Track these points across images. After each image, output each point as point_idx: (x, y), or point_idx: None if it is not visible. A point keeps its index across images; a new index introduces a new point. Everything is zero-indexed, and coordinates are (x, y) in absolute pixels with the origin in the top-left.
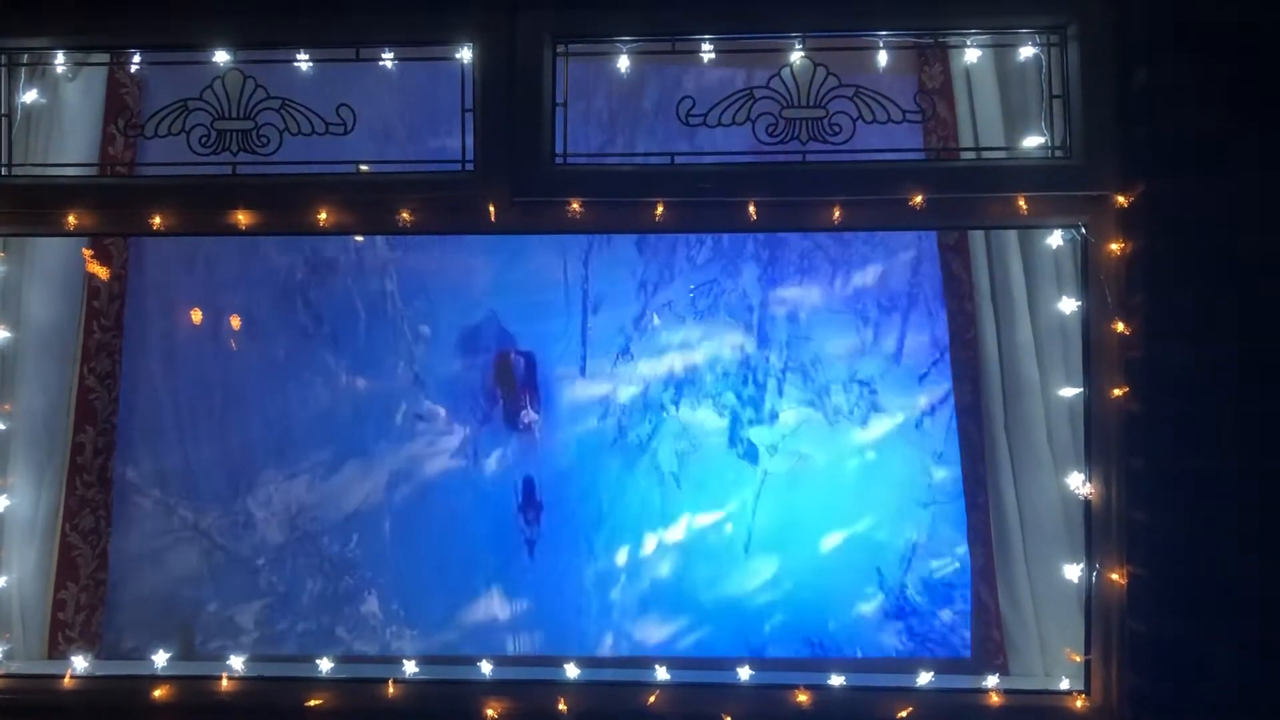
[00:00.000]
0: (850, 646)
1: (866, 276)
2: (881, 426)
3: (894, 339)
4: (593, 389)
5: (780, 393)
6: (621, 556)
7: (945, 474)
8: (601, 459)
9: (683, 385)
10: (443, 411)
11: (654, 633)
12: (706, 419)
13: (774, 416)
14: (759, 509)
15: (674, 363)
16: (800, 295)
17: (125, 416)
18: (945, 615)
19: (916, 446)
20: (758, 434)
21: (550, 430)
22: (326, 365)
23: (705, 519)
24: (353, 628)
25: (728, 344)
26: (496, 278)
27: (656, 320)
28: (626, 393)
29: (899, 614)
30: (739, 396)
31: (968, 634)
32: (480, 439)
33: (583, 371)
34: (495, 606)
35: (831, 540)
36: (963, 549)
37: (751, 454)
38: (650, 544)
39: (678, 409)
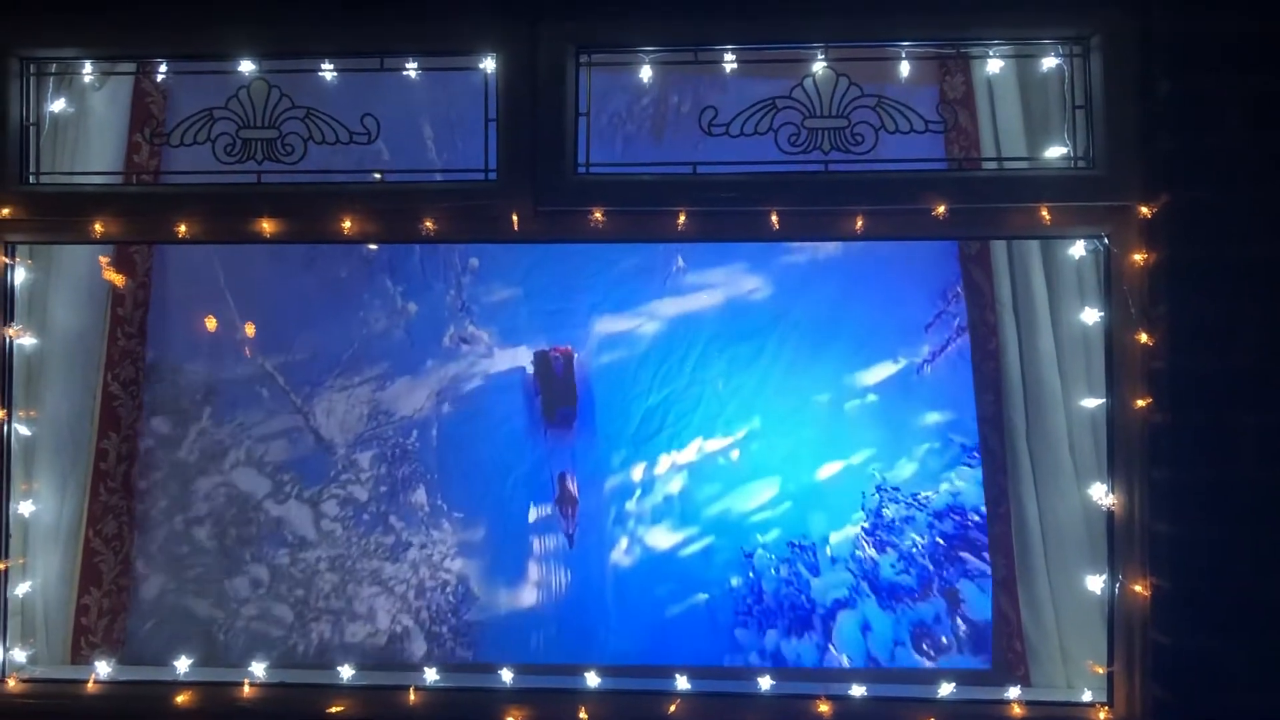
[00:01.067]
0: (823, 545)
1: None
2: (884, 371)
3: (901, 290)
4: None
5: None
6: (637, 473)
7: (939, 418)
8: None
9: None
10: (485, 335)
11: (664, 539)
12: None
13: (785, 361)
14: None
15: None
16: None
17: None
18: (911, 534)
19: (915, 391)
20: (771, 380)
21: (587, 422)
22: (385, 289)
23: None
24: (404, 516)
25: (743, 288)
26: None
27: (681, 262)
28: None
29: (873, 531)
30: (757, 348)
31: (929, 546)
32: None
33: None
34: (526, 511)
35: (828, 470)
36: (946, 485)
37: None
38: (664, 463)
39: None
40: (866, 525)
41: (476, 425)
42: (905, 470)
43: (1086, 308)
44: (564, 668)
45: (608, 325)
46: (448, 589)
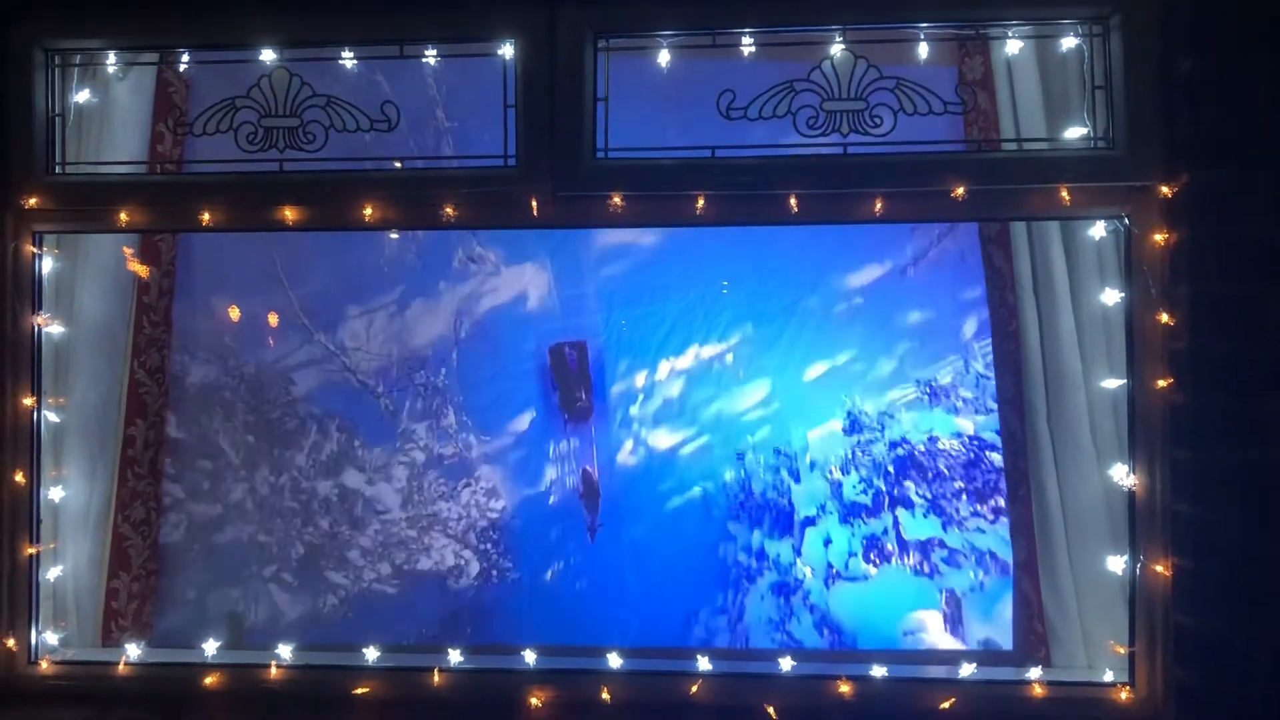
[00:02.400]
0: (803, 454)
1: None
2: (871, 274)
3: None
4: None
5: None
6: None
7: (919, 317)
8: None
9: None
10: (492, 256)
11: (665, 440)
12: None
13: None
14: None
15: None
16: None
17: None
18: (873, 452)
19: (899, 293)
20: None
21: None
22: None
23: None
24: (436, 435)
25: None
26: None
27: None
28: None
29: (852, 430)
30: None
31: (883, 471)
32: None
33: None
34: (542, 423)
35: (815, 370)
36: (923, 386)
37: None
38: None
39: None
40: (844, 425)
41: (496, 413)
42: (885, 368)
43: (1107, 288)
44: (586, 649)
45: (613, 237)
46: (485, 508)
